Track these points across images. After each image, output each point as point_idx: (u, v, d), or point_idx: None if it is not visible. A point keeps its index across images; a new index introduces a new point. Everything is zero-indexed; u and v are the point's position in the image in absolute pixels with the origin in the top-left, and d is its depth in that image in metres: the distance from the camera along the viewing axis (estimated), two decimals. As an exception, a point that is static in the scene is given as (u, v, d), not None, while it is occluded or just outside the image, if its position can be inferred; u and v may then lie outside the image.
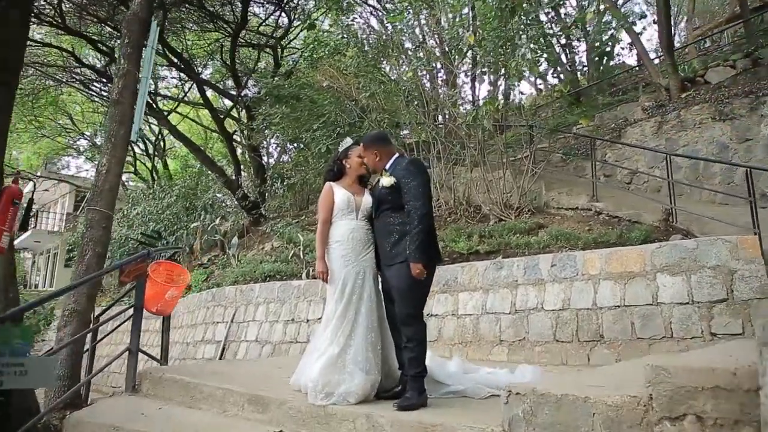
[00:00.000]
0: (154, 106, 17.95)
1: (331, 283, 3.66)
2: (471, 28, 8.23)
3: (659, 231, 6.38)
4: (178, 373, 4.09)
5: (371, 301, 3.63)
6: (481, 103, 8.62)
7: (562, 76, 12.01)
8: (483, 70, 8.08)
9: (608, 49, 7.10)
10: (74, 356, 4.71)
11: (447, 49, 10.30)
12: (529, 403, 2.71)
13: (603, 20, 9.05)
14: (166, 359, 4.84)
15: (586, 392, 2.63)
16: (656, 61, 12.97)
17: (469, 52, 9.41)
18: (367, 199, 3.81)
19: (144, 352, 4.41)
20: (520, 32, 7.16)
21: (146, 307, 4.30)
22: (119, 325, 5.29)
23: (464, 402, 3.53)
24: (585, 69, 14.44)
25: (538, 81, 16.66)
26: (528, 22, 7.24)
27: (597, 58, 12.63)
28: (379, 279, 3.77)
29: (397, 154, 3.78)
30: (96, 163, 5.37)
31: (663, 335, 4.98)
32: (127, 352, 4.14)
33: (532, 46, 7.40)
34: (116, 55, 8.95)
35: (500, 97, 8.55)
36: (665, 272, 5.16)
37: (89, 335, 5.07)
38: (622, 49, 9.47)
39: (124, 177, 26.93)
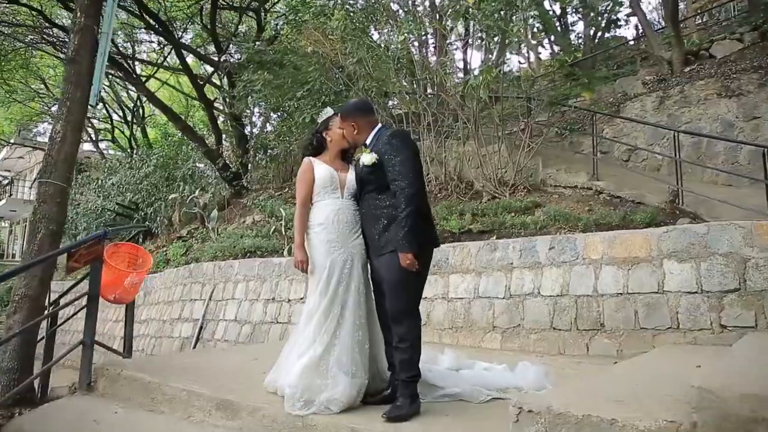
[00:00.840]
0: (131, 71, 17.09)
1: (314, 274, 3.18)
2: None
3: (665, 213, 6.00)
4: (138, 370, 3.62)
5: (359, 294, 3.17)
6: (476, 72, 8.09)
7: (557, 47, 11.49)
8: (480, 36, 7.51)
9: (615, 16, 6.61)
10: (25, 346, 4.21)
11: (440, 14, 9.72)
12: (543, 424, 2.29)
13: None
14: (130, 351, 4.36)
15: (612, 412, 2.22)
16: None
17: (463, 18, 8.84)
18: (352, 176, 3.31)
19: (102, 345, 3.93)
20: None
21: (102, 294, 3.80)
22: (81, 309, 4.78)
23: (461, 408, 3.14)
24: (581, 41, 13.92)
25: (536, 51, 16.15)
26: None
27: (594, 29, 12.12)
28: (369, 268, 3.30)
29: (379, 125, 3.26)
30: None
31: (669, 326, 4.67)
32: (81, 345, 3.64)
33: (533, 12, 6.85)
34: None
35: (496, 66, 8.02)
36: (672, 258, 4.80)
37: (46, 321, 4.57)
38: (619, 20, 8.91)
39: (101, 146, 26.03)
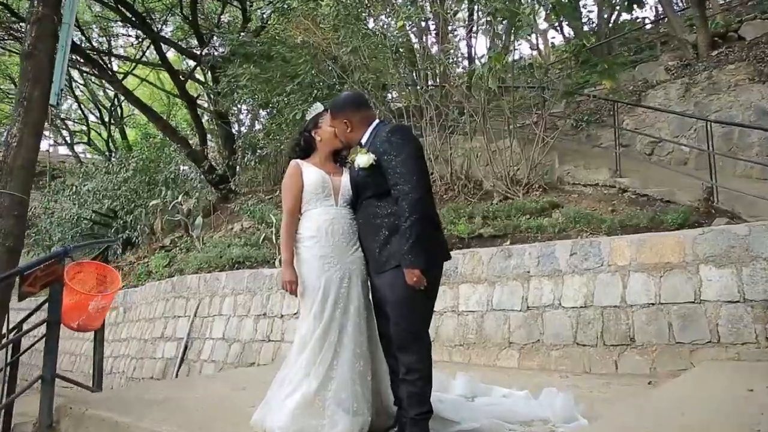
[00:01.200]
0: (107, 68, 16.88)
1: (306, 295, 2.93)
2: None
3: (698, 213, 5.79)
4: (107, 408, 3.37)
5: (359, 317, 2.92)
6: (483, 60, 7.87)
7: (570, 30, 11.28)
8: (487, 19, 7.28)
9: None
10: (-21, 380, 3.97)
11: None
12: (582, 475, 2.05)
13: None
14: (100, 384, 4.09)
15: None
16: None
17: (468, 0, 8.62)
18: (347, 180, 3.07)
19: (64, 378, 3.67)
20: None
21: (65, 322, 3.55)
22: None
23: (479, 446, 2.89)
24: (594, 25, 13.72)
25: (547, 36, 16.00)
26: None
27: (609, 11, 11.91)
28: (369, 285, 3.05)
29: (376, 121, 3.03)
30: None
31: (708, 339, 4.45)
32: (40, 380, 3.39)
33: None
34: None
35: (505, 52, 7.80)
36: (710, 264, 4.58)
37: (6, 350, 4.31)
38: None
39: (78, 149, 25.81)
